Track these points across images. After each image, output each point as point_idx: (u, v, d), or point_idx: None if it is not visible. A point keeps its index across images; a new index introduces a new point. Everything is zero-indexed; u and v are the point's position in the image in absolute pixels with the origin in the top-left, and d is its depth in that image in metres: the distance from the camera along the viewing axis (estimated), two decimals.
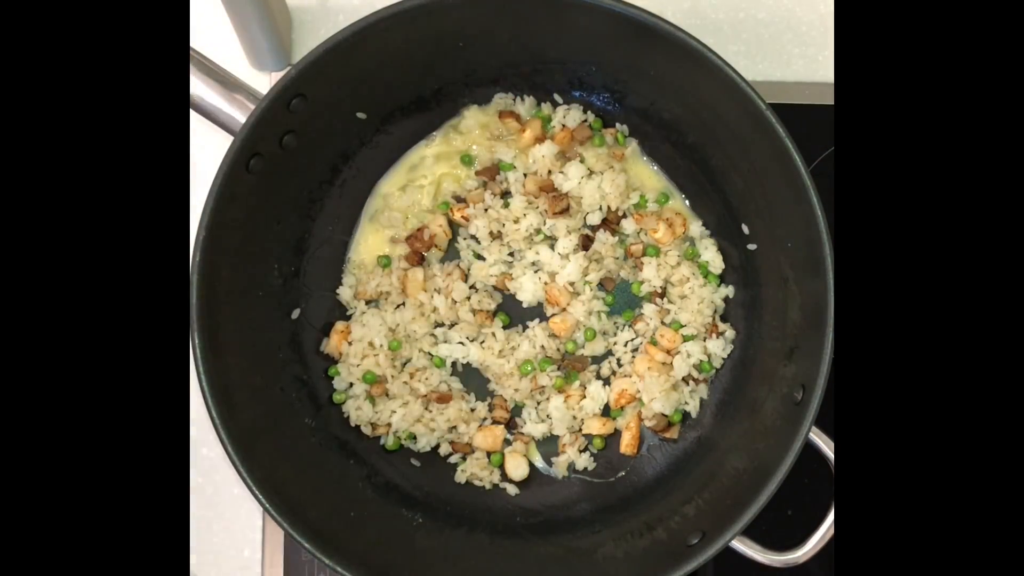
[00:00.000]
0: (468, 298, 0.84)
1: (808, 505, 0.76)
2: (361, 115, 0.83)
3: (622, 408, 0.84)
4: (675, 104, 0.82)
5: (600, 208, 0.85)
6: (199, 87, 0.76)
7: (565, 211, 0.84)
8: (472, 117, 0.86)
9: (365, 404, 0.83)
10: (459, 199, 0.86)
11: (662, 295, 0.85)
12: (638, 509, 0.80)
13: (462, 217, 0.85)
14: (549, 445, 0.85)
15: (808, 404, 0.69)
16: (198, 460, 0.85)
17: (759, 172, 0.77)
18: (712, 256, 0.85)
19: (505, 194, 0.86)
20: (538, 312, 0.86)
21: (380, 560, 0.73)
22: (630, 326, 0.85)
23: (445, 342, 0.84)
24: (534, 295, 0.84)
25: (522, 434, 0.84)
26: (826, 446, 0.72)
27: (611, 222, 0.86)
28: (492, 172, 0.86)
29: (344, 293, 0.85)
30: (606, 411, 0.85)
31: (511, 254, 0.86)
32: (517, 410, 0.85)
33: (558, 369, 0.84)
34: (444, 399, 0.83)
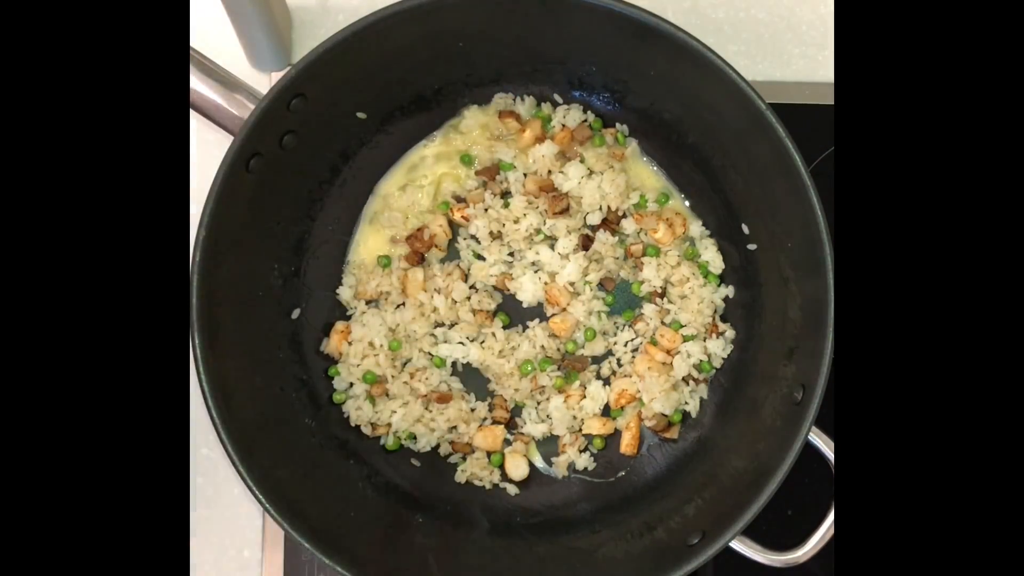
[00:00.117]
0: (468, 298, 0.84)
1: (808, 505, 0.76)
2: (361, 115, 0.83)
3: (622, 408, 0.84)
4: (675, 104, 0.82)
5: (600, 208, 0.85)
6: (199, 87, 0.76)
7: (565, 211, 0.84)
8: (472, 117, 0.86)
9: (365, 404, 0.83)
10: (459, 199, 0.86)
11: (662, 295, 0.85)
12: (638, 509, 0.80)
13: (462, 217, 0.85)
14: (549, 445, 0.85)
15: (808, 404, 0.69)
16: (198, 460, 0.85)
17: (759, 172, 0.77)
18: (712, 256, 0.85)
19: (505, 194, 0.86)
20: (538, 312, 0.86)
21: (380, 560, 0.73)
22: (630, 326, 0.85)
23: (445, 342, 0.84)
24: (534, 295, 0.84)
25: (522, 434, 0.84)
26: (826, 446, 0.72)
27: (611, 222, 0.86)
28: (492, 172, 0.86)
29: (344, 293, 0.85)
30: (606, 411, 0.85)
31: (511, 254, 0.86)
32: (517, 410, 0.85)
33: (558, 369, 0.84)
34: (444, 399, 0.83)
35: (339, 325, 0.84)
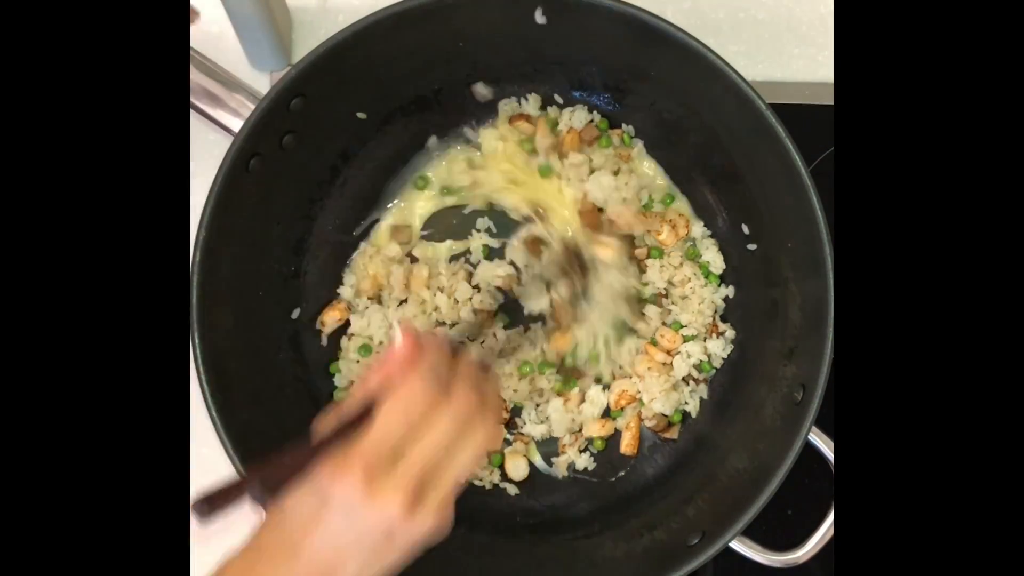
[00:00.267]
0: (470, 299, 0.84)
1: (808, 505, 0.76)
2: (361, 115, 0.82)
3: (622, 409, 0.84)
4: (676, 105, 0.82)
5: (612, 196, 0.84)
6: (199, 87, 0.76)
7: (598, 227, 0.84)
8: (488, 139, 0.86)
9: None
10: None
11: (665, 296, 0.85)
12: (638, 509, 0.80)
13: None
14: (549, 445, 0.85)
15: (808, 404, 0.69)
16: (198, 460, 0.85)
17: (760, 173, 0.77)
18: (713, 256, 0.85)
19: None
20: (540, 315, 0.86)
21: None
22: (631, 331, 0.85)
23: None
24: (540, 307, 0.84)
25: (522, 434, 0.84)
26: (826, 446, 0.72)
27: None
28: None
29: (345, 292, 0.85)
30: (606, 412, 0.85)
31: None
32: (516, 411, 0.85)
33: (557, 372, 0.84)
34: None
35: (340, 304, 0.84)
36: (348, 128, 0.83)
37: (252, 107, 0.73)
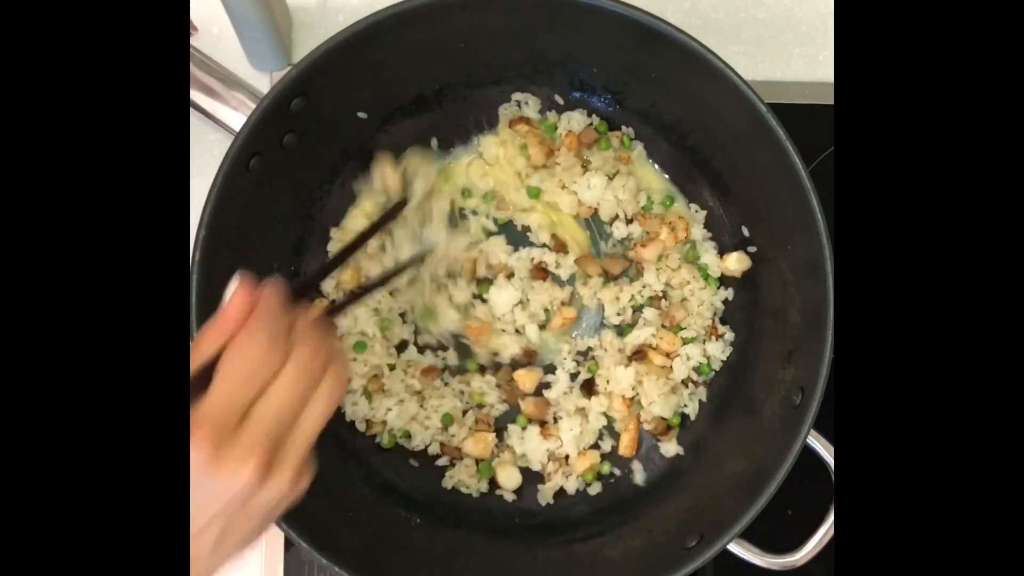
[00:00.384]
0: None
1: (806, 508, 0.76)
2: (362, 115, 0.82)
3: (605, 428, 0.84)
4: (676, 106, 0.82)
5: (618, 216, 0.84)
6: (199, 86, 0.76)
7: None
8: (489, 146, 0.86)
9: (361, 400, 0.82)
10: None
11: (662, 297, 0.85)
12: (636, 511, 0.80)
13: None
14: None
15: (807, 407, 0.69)
16: None
17: (759, 174, 0.77)
18: (712, 259, 0.84)
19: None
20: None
21: (378, 560, 0.73)
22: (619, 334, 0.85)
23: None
24: (508, 302, 0.84)
25: (509, 446, 0.83)
26: (824, 450, 0.72)
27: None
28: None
29: (328, 286, 0.84)
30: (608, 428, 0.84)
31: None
32: (511, 416, 0.84)
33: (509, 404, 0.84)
34: (430, 372, 0.82)
35: (319, 303, 0.83)
36: (349, 128, 0.83)
37: (252, 106, 0.73)
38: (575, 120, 0.85)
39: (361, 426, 0.83)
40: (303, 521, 0.70)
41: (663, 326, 0.84)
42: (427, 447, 0.83)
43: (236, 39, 0.86)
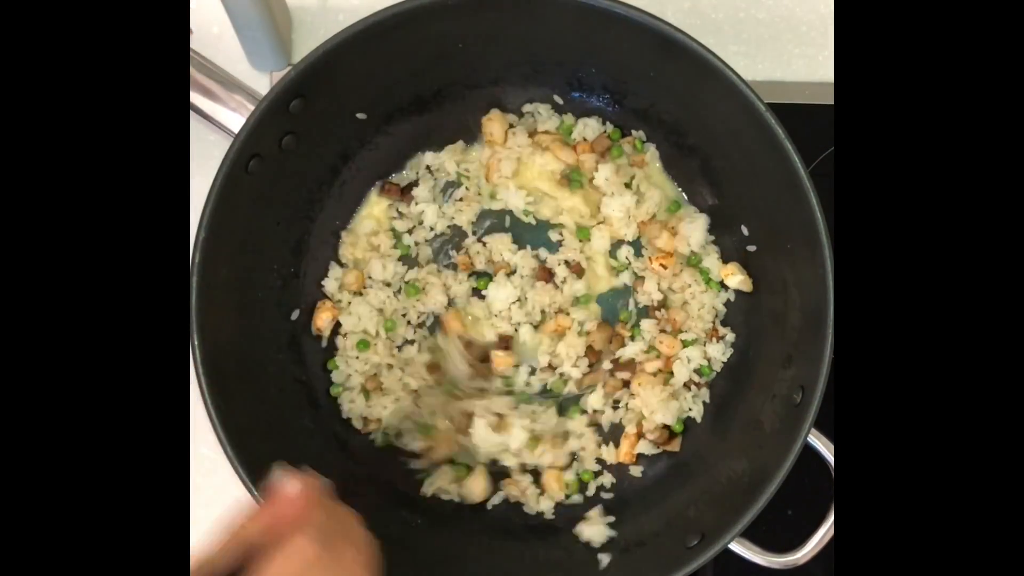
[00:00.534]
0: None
1: (807, 507, 0.76)
2: (361, 116, 0.82)
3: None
4: (675, 105, 0.82)
5: (628, 217, 0.84)
6: (198, 88, 0.76)
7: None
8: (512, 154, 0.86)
9: (359, 397, 0.82)
10: None
11: (659, 307, 0.84)
12: (637, 511, 0.80)
13: None
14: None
15: (807, 406, 0.69)
16: (198, 460, 0.85)
17: (759, 174, 0.77)
18: (714, 263, 0.83)
19: None
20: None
21: (380, 561, 0.73)
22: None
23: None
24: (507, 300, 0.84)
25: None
26: (825, 448, 0.72)
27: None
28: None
29: (329, 285, 0.84)
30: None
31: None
32: None
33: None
34: (434, 367, 0.83)
35: (327, 303, 0.84)
36: (348, 129, 0.83)
37: (252, 107, 0.73)
38: (590, 127, 0.85)
39: (358, 424, 0.83)
40: None
41: (663, 331, 0.84)
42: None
43: (236, 39, 0.86)
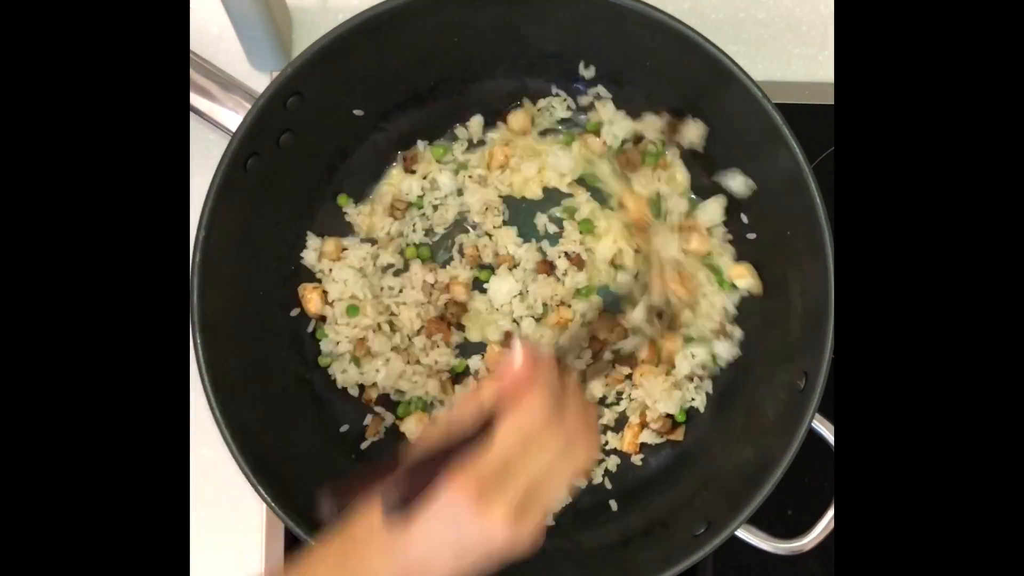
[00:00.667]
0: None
1: (812, 493, 0.76)
2: (358, 112, 0.82)
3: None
4: (673, 95, 0.82)
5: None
6: (196, 88, 0.76)
7: None
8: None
9: (350, 366, 0.82)
10: None
11: (660, 315, 0.84)
12: (643, 500, 0.80)
13: None
14: None
15: (811, 392, 0.69)
16: (198, 460, 0.85)
17: (758, 161, 0.78)
18: (728, 262, 0.83)
19: None
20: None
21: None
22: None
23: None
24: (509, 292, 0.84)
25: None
26: (829, 434, 0.72)
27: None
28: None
29: (308, 256, 0.83)
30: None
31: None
32: None
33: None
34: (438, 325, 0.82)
35: (308, 286, 0.83)
36: (345, 126, 0.82)
37: (249, 106, 0.73)
38: (618, 125, 0.84)
39: (354, 392, 0.82)
40: (310, 521, 0.70)
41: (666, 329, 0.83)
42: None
43: (236, 39, 0.85)
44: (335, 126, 0.82)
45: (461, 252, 0.85)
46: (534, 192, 0.85)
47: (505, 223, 0.85)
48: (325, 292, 0.83)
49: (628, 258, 0.84)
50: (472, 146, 0.86)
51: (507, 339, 0.83)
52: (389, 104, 0.84)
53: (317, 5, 0.92)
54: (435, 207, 0.85)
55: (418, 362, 0.83)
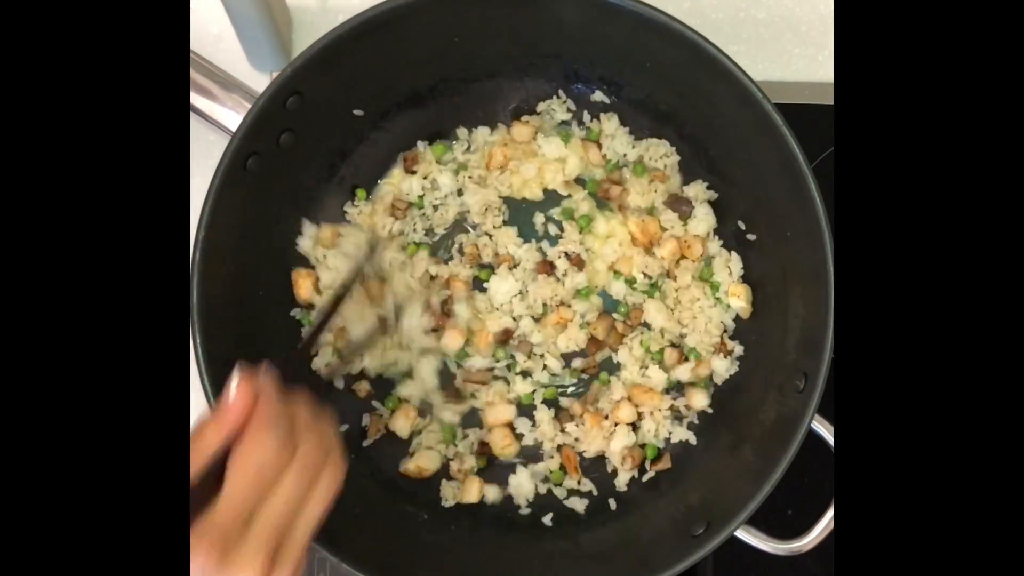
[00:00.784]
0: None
1: (812, 493, 0.76)
2: (358, 112, 0.82)
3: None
4: (672, 95, 0.82)
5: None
6: (196, 87, 0.76)
7: None
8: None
9: (334, 359, 0.81)
10: None
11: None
12: (642, 501, 0.81)
13: None
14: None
15: (810, 392, 0.70)
16: None
17: (756, 160, 0.78)
18: (726, 277, 0.83)
19: None
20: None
21: (386, 556, 0.73)
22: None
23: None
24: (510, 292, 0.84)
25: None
26: (829, 434, 0.72)
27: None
28: None
29: (304, 244, 0.83)
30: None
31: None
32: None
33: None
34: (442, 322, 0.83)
35: (301, 271, 0.82)
36: (345, 125, 0.83)
37: (249, 106, 0.73)
38: (619, 140, 0.84)
39: (339, 384, 0.82)
40: None
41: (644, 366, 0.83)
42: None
43: (236, 39, 0.85)
44: (335, 126, 0.82)
45: (461, 252, 0.85)
46: (534, 193, 0.85)
47: (505, 223, 0.85)
48: (318, 279, 0.82)
49: (628, 265, 0.84)
50: (472, 147, 0.87)
51: (504, 334, 0.83)
52: (389, 104, 0.84)
53: (317, 5, 0.92)
54: (435, 207, 0.85)
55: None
